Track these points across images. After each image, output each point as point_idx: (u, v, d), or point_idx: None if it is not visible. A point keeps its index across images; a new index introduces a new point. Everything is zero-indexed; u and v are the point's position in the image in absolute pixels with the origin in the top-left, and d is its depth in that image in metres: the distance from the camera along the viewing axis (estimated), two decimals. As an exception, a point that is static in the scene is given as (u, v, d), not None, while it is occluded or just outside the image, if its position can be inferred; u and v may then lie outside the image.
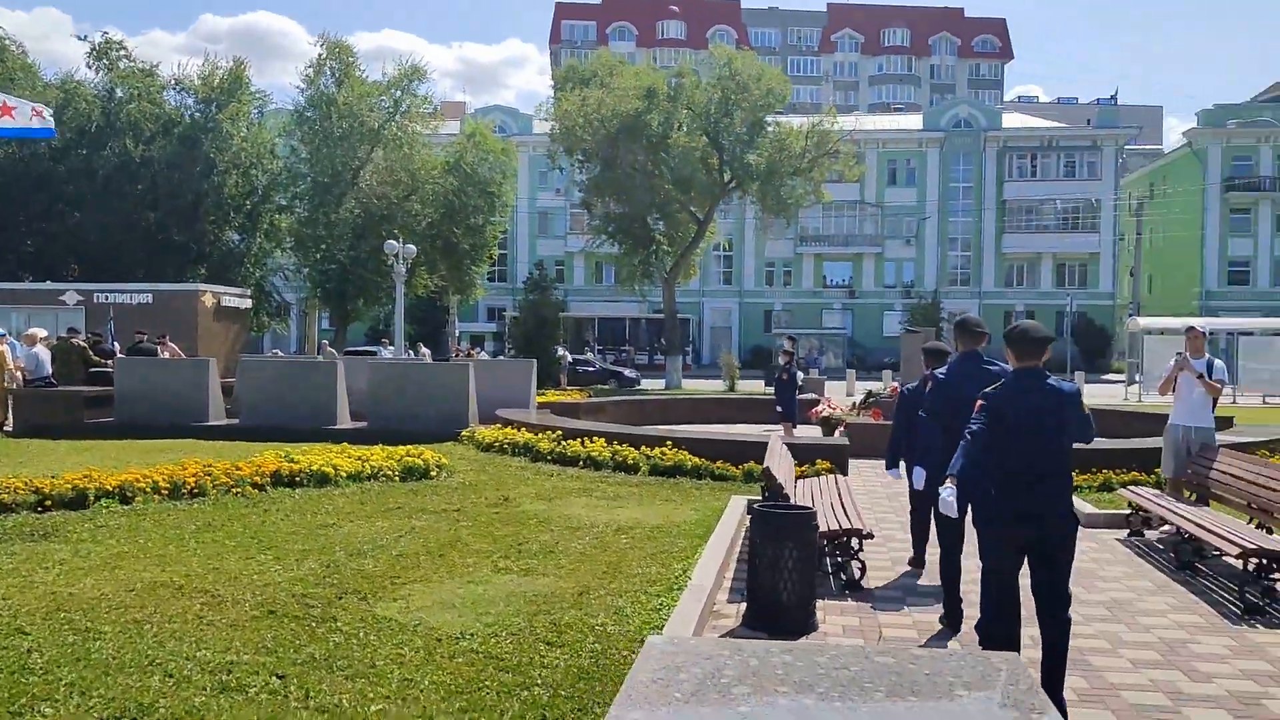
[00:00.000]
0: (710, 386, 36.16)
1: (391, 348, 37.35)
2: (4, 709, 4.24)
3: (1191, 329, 9.32)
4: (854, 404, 17.62)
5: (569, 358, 38.74)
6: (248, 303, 31.72)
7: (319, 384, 16.76)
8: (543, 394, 22.76)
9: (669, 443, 12.69)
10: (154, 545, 7.53)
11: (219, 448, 13.88)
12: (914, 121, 66.13)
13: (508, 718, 4.28)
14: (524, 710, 4.35)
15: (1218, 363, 9.08)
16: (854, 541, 6.92)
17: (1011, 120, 64.85)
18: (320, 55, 36.49)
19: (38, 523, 8.28)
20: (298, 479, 10.54)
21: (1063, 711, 4.36)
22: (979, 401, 4.96)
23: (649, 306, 63.18)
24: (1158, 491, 9.19)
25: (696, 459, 12.10)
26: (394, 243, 29.11)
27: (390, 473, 11.13)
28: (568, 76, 37.94)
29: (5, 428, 16.49)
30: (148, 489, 9.51)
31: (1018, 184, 61.78)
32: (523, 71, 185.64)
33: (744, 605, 6.34)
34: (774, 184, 34.81)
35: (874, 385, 22.25)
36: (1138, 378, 32.56)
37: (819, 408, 17.24)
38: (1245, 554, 6.10)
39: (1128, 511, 9.02)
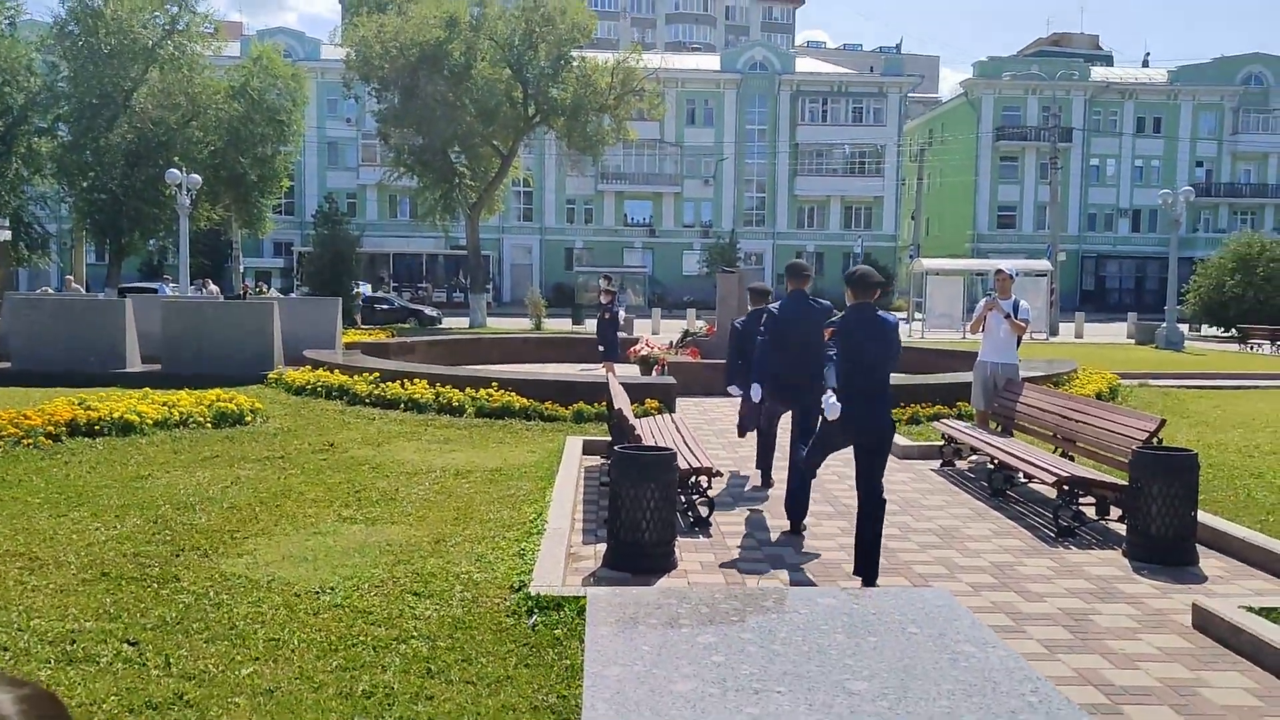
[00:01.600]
0: (516, 325, 35.95)
1: (174, 285, 35.06)
2: None
3: (1000, 271, 9.98)
4: (671, 343, 17.95)
5: (364, 294, 37.54)
6: (6, 234, 28.82)
7: (105, 323, 15.51)
8: (343, 333, 21.96)
9: (494, 384, 12.56)
10: (-56, 505, 6.82)
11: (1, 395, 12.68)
12: (712, 62, 67.12)
13: (390, 673, 4.16)
14: (406, 664, 4.25)
15: (1023, 303, 9.79)
16: (703, 480, 7.10)
17: (804, 65, 66.88)
18: (84, -38, 33.13)
19: None
20: (98, 428, 9.76)
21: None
22: (828, 330, 6.24)
23: (446, 243, 61.91)
24: (968, 424, 9.88)
25: (524, 400, 12.04)
26: (176, 172, 27.15)
27: (201, 419, 10.48)
28: (361, 1, 36.14)
29: None
30: (-78, 442, 8.58)
31: (809, 128, 63.97)
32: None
33: (600, 546, 6.41)
34: (580, 120, 34.58)
35: (689, 325, 22.79)
36: (919, 315, 34.74)
37: (637, 347, 17.46)
38: (1060, 482, 6.68)
39: (940, 443, 9.66)
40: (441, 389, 12.44)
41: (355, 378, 13.34)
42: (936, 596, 2.62)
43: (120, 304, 15.85)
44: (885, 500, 5.83)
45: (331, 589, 5.17)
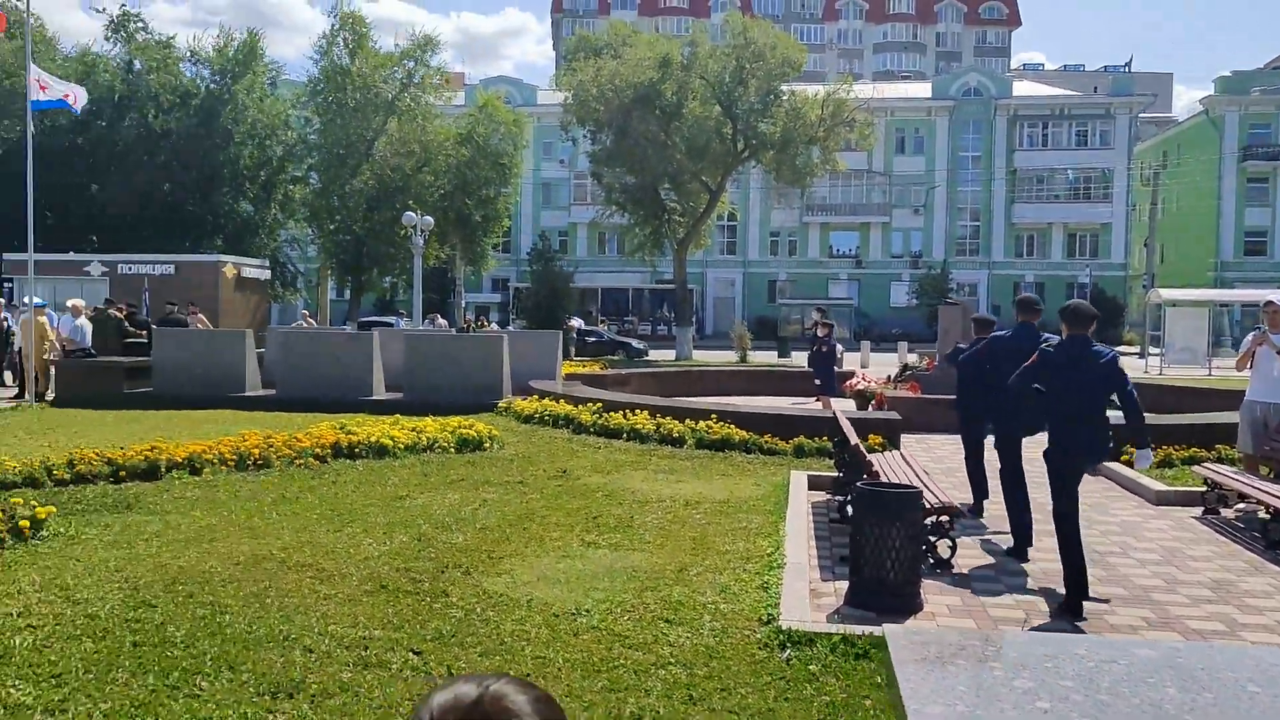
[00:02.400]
0: (721, 358, 36.21)
1: (407, 319, 37.39)
2: (158, 681, 4.30)
3: (1270, 303, 9.29)
4: (888, 377, 17.66)
5: (579, 327, 38.84)
6: (267, 273, 31.72)
7: (355, 355, 16.79)
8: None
9: (713, 416, 12.75)
10: (238, 517, 7.59)
11: (263, 419, 13.96)
12: (923, 90, 65.73)
13: (654, 697, 4.34)
14: (668, 690, 4.42)
15: None
16: (944, 519, 6.97)
17: (1022, 88, 64.46)
18: (333, 26, 36.22)
19: (117, 494, 8.34)
20: (357, 450, 10.60)
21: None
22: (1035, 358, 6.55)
23: (652, 277, 63.18)
24: (1234, 469, 9.22)
25: (744, 433, 12.15)
26: (412, 214, 29.04)
27: (445, 444, 11.19)
28: (579, 47, 37.67)
29: (47, 397, 16.53)
30: (215, 460, 9.58)
31: (1028, 153, 61.52)
32: (520, 41, 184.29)
33: (838, 583, 6.42)
34: (789, 153, 34.67)
35: (900, 359, 22.36)
36: (1155, 350, 32.55)
37: (853, 381, 17.28)
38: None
39: (1202, 489, 9.06)
40: (662, 420, 12.75)
41: (579, 408, 13.85)
42: (1273, 655, 2.52)
43: (369, 337, 17.11)
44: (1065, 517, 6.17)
45: (587, 611, 5.43)
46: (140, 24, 35.65)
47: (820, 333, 16.81)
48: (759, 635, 5.12)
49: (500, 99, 42.25)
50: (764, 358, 35.93)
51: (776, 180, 36.47)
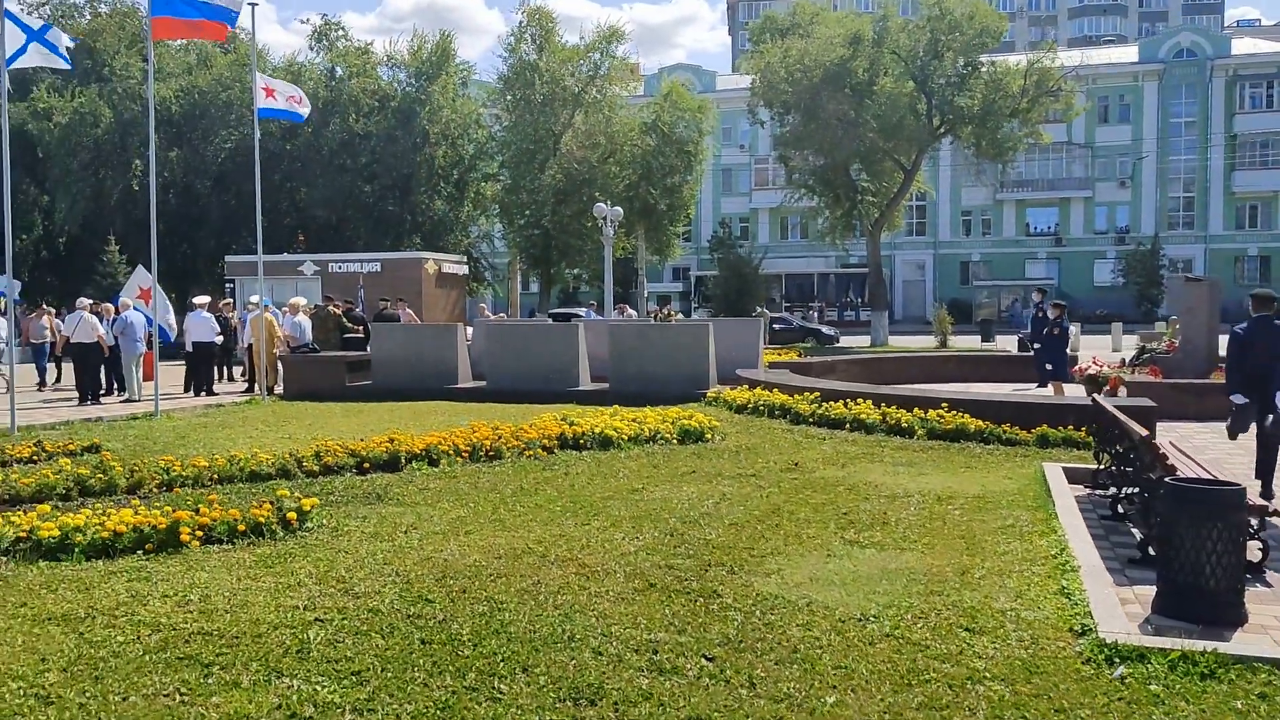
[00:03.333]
0: (918, 343, 34.93)
1: (594, 310, 37.81)
2: (456, 682, 4.19)
3: None
4: (1122, 361, 16.39)
5: (768, 316, 38.27)
6: (465, 269, 32.68)
7: (561, 347, 16.91)
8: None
9: (945, 404, 12.07)
10: (483, 509, 7.58)
11: (478, 410, 14.20)
12: (1127, 54, 61.53)
13: (980, 717, 3.91)
14: (995, 710, 3.98)
15: None
16: (1252, 518, 6.20)
17: (1241, 46, 59.38)
18: (521, 23, 36.94)
19: (365, 485, 8.52)
20: (581, 442, 10.54)
21: None
22: None
23: (836, 261, 61.83)
24: None
25: (980, 422, 11.42)
26: (603, 206, 29.28)
27: (668, 436, 11.01)
28: (765, 28, 37.06)
29: (276, 391, 17.44)
30: (450, 452, 9.69)
31: (1250, 115, 56.76)
32: (693, 29, 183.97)
33: (1137, 588, 5.79)
34: (989, 127, 33.04)
35: (1115, 342, 20.87)
36: None
37: (1084, 365, 16.13)
38: None
39: None
40: (887, 409, 12.17)
41: (795, 397, 13.42)
42: None
43: (574, 329, 17.21)
44: None
45: (874, 617, 5.04)
46: (341, 31, 37.40)
47: (1053, 314, 15.75)
48: (1077, 648, 4.60)
49: (682, 86, 42.16)
50: (964, 342, 34.46)
51: (976, 156, 34.80)
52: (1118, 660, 4.42)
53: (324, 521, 7.08)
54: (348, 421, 13.28)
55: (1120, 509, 7.80)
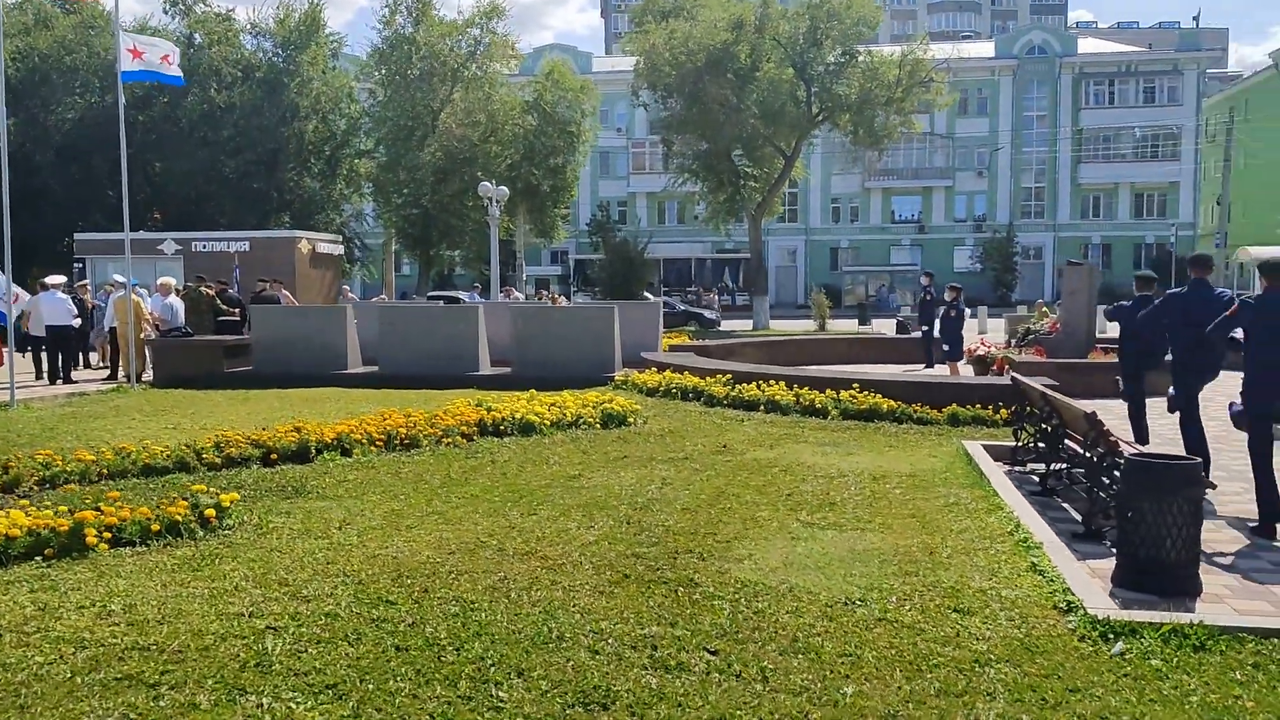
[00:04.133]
0: (797, 326, 35.56)
1: (467, 293, 37.06)
2: (447, 690, 3.86)
3: None
4: (1007, 341, 16.94)
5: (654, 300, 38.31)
6: (340, 249, 31.50)
7: (460, 330, 16.39)
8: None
9: (855, 386, 12.18)
10: (416, 501, 7.17)
11: (374, 396, 13.65)
12: (985, 49, 63.95)
13: (1003, 701, 3.83)
14: (1013, 693, 3.90)
15: None
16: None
17: (1087, 46, 62.52)
18: (396, -5, 35.76)
19: (277, 478, 7.96)
20: (502, 428, 10.17)
21: None
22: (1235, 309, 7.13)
23: (712, 246, 62.47)
24: None
25: (891, 402, 11.57)
26: (488, 185, 28.64)
27: (591, 420, 10.73)
28: (647, 9, 36.88)
29: (144, 378, 16.33)
30: (364, 441, 9.19)
31: (1094, 111, 59.78)
32: (563, 10, 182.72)
33: (1091, 562, 5.86)
34: (866, 115, 33.74)
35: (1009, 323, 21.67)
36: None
37: (972, 346, 16.60)
38: None
39: None
40: (801, 391, 12.21)
41: (708, 380, 13.35)
42: None
43: (474, 311, 16.71)
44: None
45: (860, 601, 4.93)
46: (198, -3, 35.46)
47: (949, 296, 16.13)
48: (1069, 625, 4.58)
49: (563, 66, 41.66)
50: (841, 326, 35.21)
51: (854, 144, 35.56)
52: (1112, 636, 4.41)
53: (244, 518, 6.55)
54: (235, 410, 12.51)
55: (1048, 485, 7.97)
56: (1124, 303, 10.28)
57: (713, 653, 4.24)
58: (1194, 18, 75.91)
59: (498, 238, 29.28)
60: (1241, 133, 58.97)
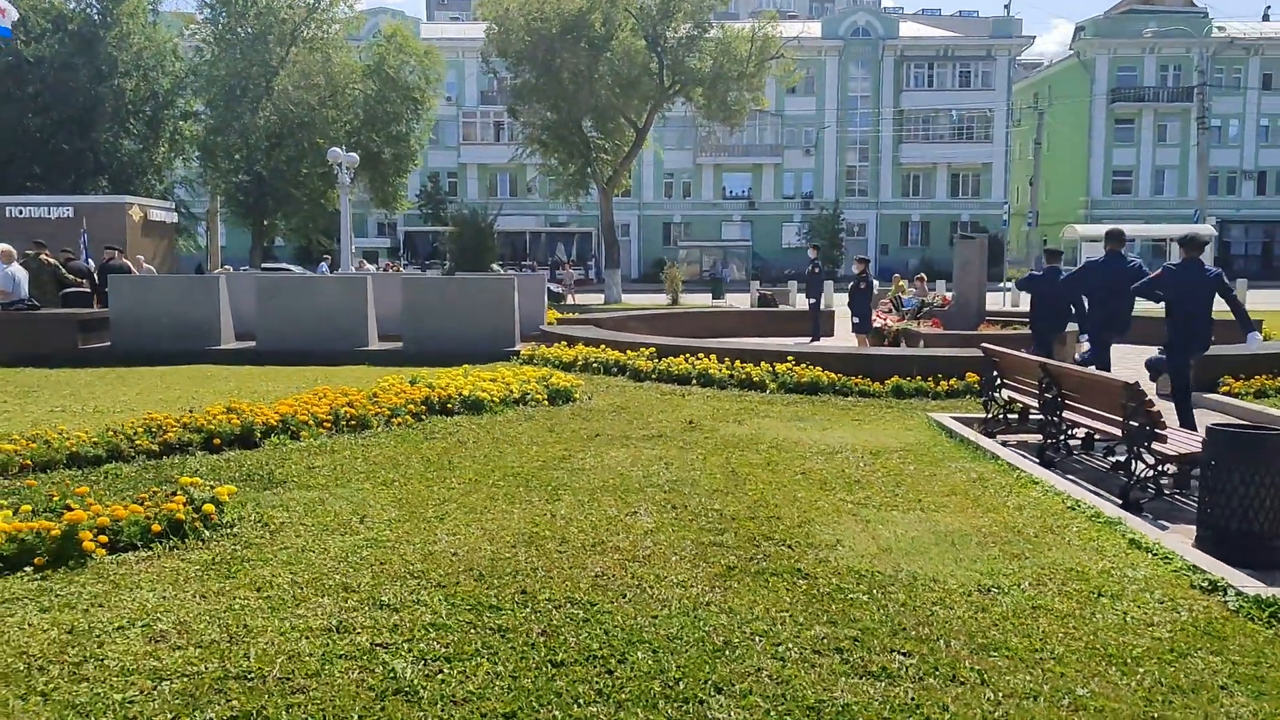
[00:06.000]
0: (650, 300, 35.42)
1: (320, 265, 35.10)
2: (652, 714, 3.28)
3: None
4: (903, 315, 17.24)
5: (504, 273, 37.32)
6: (174, 217, 28.99)
7: (347, 304, 15.26)
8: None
9: (791, 358, 12.00)
10: (415, 488, 6.39)
11: (264, 374, 12.61)
12: (813, 29, 65.58)
13: (1242, 695, 3.59)
14: (1244, 684, 3.67)
15: None
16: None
17: (908, 29, 65.07)
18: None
19: (232, 467, 6.97)
20: (449, 405, 9.39)
21: None
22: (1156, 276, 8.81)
23: (546, 220, 61.73)
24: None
25: (833, 375, 11.45)
26: (338, 150, 27.03)
27: (538, 397, 10.06)
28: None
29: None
30: (310, 422, 8.24)
31: (915, 93, 62.34)
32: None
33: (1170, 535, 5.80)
34: (719, 90, 33.82)
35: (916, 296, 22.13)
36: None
37: (872, 319, 16.79)
38: None
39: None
40: (737, 364, 11.94)
41: (630, 354, 12.87)
42: None
43: (362, 283, 15.56)
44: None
45: (997, 588, 4.61)
46: (1, -62, 31.69)
47: (856, 270, 16.23)
48: (1229, 606, 4.41)
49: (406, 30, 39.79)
50: (693, 300, 35.31)
51: (707, 118, 35.59)
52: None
53: (242, 514, 5.64)
54: (120, 391, 11.12)
55: (1046, 456, 7.96)
56: (1035, 273, 11.92)
57: (905, 654, 3.83)
58: (1005, 6, 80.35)
59: (348, 209, 27.64)
60: (1050, 117, 62.97)
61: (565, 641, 3.86)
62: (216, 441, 7.62)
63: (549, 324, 17.67)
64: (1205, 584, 4.66)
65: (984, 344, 9.94)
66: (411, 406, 9.07)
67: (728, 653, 3.79)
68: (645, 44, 33.59)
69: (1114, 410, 6.93)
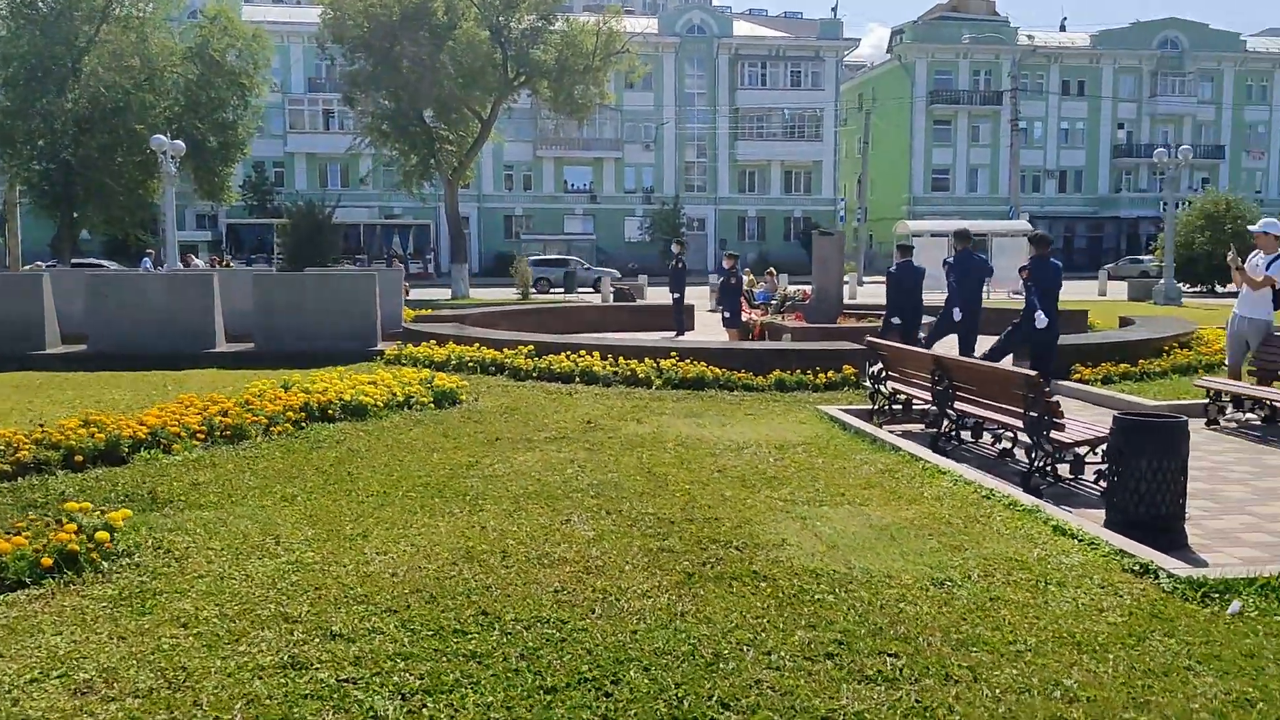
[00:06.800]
0: (502, 295, 34.88)
1: (143, 260, 32.98)
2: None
3: (1265, 233, 9.78)
4: (763, 309, 17.52)
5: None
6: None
7: (192, 302, 14.29)
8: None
9: (674, 354, 11.97)
10: (322, 503, 5.98)
11: (104, 381, 11.69)
12: (650, 25, 66.09)
13: (1209, 676, 3.72)
14: (1205, 663, 3.81)
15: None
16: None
17: (742, 28, 66.47)
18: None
19: (103, 486, 6.34)
20: (330, 411, 8.88)
21: None
22: (1026, 270, 10.58)
23: (380, 212, 60.00)
24: (1229, 380, 9.77)
25: (717, 370, 11.49)
26: (162, 138, 25.44)
27: (424, 399, 9.65)
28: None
29: None
30: (182, 433, 7.60)
31: (749, 91, 63.74)
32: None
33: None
34: (566, 83, 33.59)
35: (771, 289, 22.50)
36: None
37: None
38: None
39: (1205, 401, 9.51)
40: (622, 361, 11.82)
41: (507, 351, 12.56)
42: None
43: (208, 280, 14.59)
44: None
45: (950, 581, 4.65)
46: None
47: (726, 265, 16.33)
48: (1163, 588, 4.58)
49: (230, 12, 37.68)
50: (544, 295, 35.01)
51: (555, 111, 35.31)
52: (1225, 596, 4.46)
53: (138, 540, 5.11)
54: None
55: (939, 446, 8.18)
56: (890, 269, 13.35)
57: (893, 656, 3.78)
58: (832, 8, 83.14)
59: (174, 201, 25.96)
60: (875, 117, 65.58)
61: (549, 665, 3.64)
62: (79, 459, 6.93)
63: (408, 322, 17.09)
64: (1136, 567, 4.83)
65: (869, 338, 10.16)
66: (291, 414, 8.52)
67: (721, 665, 3.65)
68: (489, 35, 33.02)
69: (1010, 401, 7.17)
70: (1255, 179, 67.11)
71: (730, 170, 64.88)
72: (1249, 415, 9.34)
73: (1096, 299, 31.28)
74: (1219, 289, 34.90)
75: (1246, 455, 8.00)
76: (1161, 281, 29.66)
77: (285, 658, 3.68)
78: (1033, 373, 6.86)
